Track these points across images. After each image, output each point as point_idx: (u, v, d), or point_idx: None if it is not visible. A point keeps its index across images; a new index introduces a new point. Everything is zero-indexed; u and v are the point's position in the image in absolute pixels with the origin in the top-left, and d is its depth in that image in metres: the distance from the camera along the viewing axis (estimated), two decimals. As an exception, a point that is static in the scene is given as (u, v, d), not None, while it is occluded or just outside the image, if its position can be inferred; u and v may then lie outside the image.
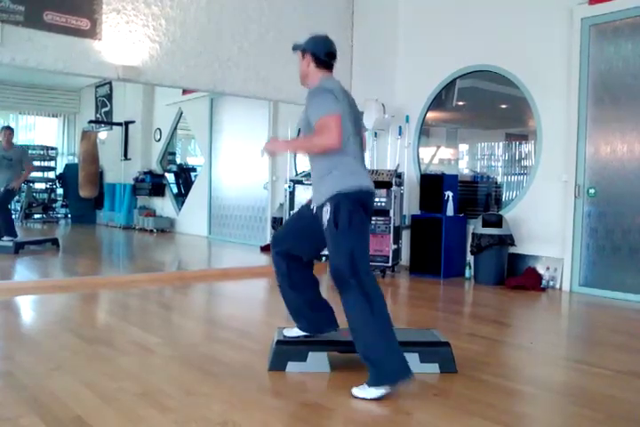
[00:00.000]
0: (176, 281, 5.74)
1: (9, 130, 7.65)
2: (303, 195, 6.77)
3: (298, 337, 3.00)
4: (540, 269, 5.66)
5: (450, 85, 6.66)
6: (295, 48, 3.01)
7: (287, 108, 8.05)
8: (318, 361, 2.89)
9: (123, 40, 5.48)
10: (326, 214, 2.69)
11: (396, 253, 6.28)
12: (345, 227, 2.65)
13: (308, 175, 6.87)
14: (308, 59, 2.91)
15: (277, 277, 3.00)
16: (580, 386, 2.88)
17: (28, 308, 4.73)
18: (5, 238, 7.33)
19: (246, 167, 9.34)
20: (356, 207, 2.69)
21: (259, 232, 8.95)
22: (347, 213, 2.65)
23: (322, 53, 2.89)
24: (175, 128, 11.35)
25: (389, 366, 2.59)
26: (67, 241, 9.79)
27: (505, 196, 6.61)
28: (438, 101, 6.82)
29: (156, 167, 11.52)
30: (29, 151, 11.85)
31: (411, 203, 6.68)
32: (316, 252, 3.05)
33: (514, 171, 6.78)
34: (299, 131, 2.93)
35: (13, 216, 10.49)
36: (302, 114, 2.83)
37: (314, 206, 2.85)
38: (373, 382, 2.58)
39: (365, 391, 2.58)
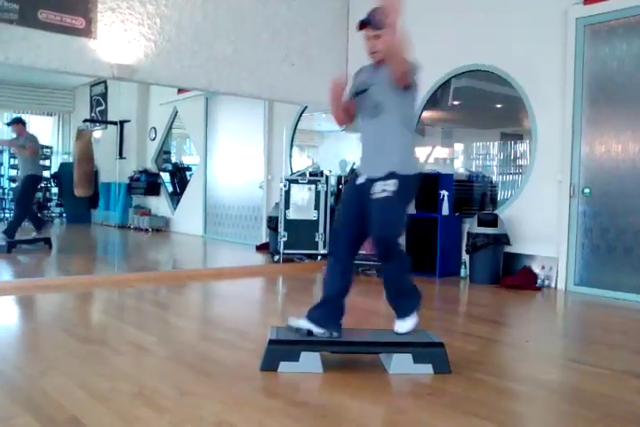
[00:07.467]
0: (171, 280, 5.73)
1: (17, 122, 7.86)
2: (299, 194, 6.77)
3: (299, 329, 2.97)
4: (536, 269, 5.67)
5: (445, 85, 6.66)
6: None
7: (282, 107, 8.04)
8: (311, 361, 2.88)
9: (118, 39, 5.46)
10: (390, 187, 2.86)
11: (392, 252, 6.27)
12: (403, 202, 2.97)
13: (303, 174, 6.88)
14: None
15: (334, 259, 3.08)
16: (575, 385, 2.89)
17: (21, 307, 4.71)
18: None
19: (242, 166, 9.33)
20: (414, 190, 3.06)
21: (254, 231, 8.93)
22: (407, 193, 2.97)
23: None
24: (170, 127, 11.32)
25: (416, 300, 3.08)
26: (61, 240, 9.76)
27: (500, 195, 6.64)
28: (433, 101, 6.82)
29: (151, 166, 11.49)
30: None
31: (406, 202, 6.67)
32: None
33: (509, 170, 6.81)
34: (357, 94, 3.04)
35: (7, 215, 10.45)
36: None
37: (366, 178, 2.98)
38: (412, 309, 3.05)
39: (406, 323, 3.03)
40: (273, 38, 6.44)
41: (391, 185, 2.85)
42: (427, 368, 2.90)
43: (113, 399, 2.50)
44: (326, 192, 6.83)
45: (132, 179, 11.42)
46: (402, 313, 3.06)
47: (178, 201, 11.03)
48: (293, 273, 6.43)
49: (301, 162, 8.94)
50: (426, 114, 6.90)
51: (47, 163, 12.69)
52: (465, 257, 6.06)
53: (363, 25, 2.97)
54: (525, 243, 5.80)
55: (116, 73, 5.47)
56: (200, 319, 4.43)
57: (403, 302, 3.08)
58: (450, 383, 2.79)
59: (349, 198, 3.13)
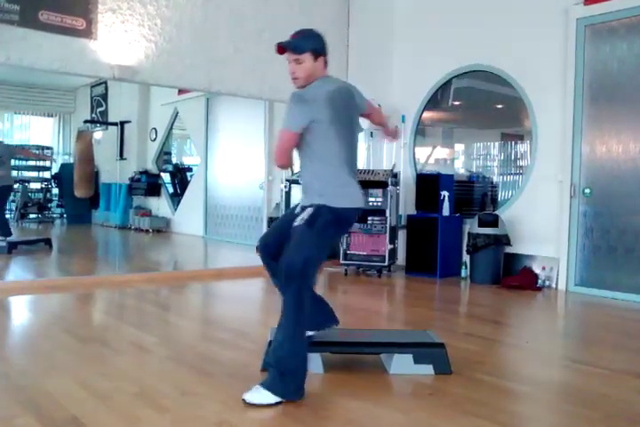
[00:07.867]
0: (172, 281, 5.73)
1: None
2: (299, 195, 6.77)
3: None
4: (536, 269, 5.67)
5: (446, 85, 6.66)
6: (307, 50, 2.71)
7: (283, 108, 8.03)
8: (311, 362, 2.85)
9: (118, 40, 5.46)
10: (306, 214, 2.64)
11: (393, 252, 6.29)
12: (318, 232, 2.62)
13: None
14: (322, 61, 2.78)
15: (271, 276, 2.91)
16: (576, 385, 2.89)
17: (22, 308, 4.71)
18: None
19: (242, 167, 9.33)
20: (337, 222, 2.68)
21: (254, 232, 8.92)
22: (324, 222, 2.62)
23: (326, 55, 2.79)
24: (171, 128, 11.33)
25: (296, 382, 2.53)
26: (62, 241, 9.77)
27: (501, 195, 6.63)
28: (434, 101, 6.83)
29: (151, 167, 11.50)
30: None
31: (407, 203, 6.68)
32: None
33: (509, 171, 6.80)
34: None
35: (8, 216, 10.48)
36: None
37: (300, 205, 2.80)
38: (275, 390, 2.47)
39: (260, 395, 2.47)
40: (274, 38, 6.41)
41: (306, 214, 2.64)
42: (427, 369, 2.90)
43: (114, 399, 2.50)
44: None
45: (132, 179, 11.43)
46: (266, 382, 2.52)
47: (178, 202, 11.03)
48: (294, 274, 6.42)
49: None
50: (426, 114, 6.91)
51: (48, 164, 12.74)
52: (465, 257, 6.06)
53: (281, 49, 2.75)
54: (526, 243, 5.80)
55: (117, 74, 5.47)
56: (201, 320, 4.43)
57: (275, 367, 2.54)
58: (451, 384, 2.79)
59: (282, 217, 3.04)
